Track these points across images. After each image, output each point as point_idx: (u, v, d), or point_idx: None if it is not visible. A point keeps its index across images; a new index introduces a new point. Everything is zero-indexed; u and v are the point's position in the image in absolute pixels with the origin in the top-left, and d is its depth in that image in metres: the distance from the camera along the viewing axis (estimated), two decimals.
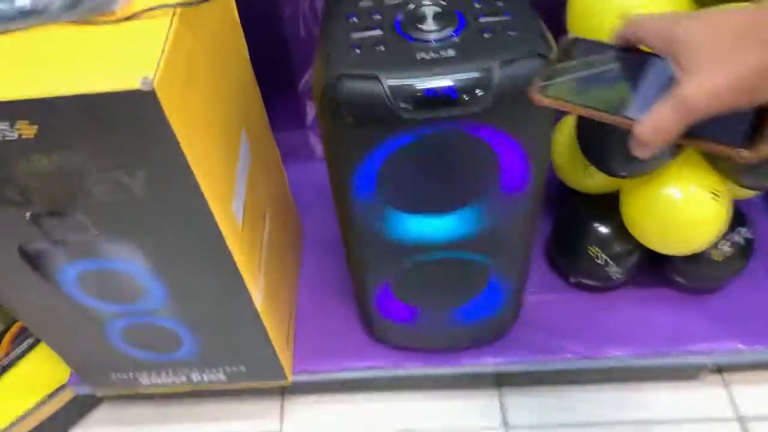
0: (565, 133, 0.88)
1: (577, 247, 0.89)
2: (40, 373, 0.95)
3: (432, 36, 0.58)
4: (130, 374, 0.86)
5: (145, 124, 0.51)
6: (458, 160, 0.62)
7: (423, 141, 0.59)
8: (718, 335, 0.89)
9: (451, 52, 0.56)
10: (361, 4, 0.62)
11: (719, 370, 0.97)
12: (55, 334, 0.78)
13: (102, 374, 0.86)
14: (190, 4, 0.55)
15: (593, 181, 0.87)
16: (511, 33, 0.57)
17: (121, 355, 0.81)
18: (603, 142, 0.74)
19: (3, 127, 0.50)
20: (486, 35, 0.57)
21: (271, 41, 1.03)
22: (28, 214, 0.59)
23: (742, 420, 0.92)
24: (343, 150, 0.62)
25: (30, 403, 0.92)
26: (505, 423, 0.94)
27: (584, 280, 0.92)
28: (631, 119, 0.36)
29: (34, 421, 0.93)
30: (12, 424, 0.91)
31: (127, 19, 0.53)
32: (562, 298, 0.95)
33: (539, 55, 0.55)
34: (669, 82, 0.34)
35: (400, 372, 0.91)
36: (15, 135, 0.51)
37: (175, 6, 0.54)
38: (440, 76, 0.55)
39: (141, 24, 0.53)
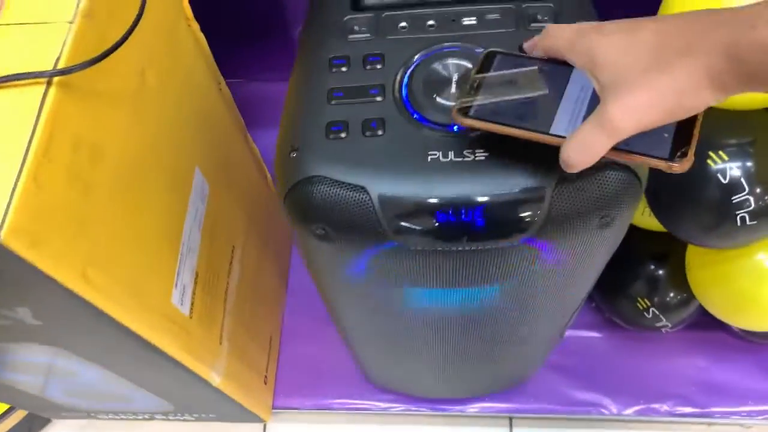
0: None
1: (621, 292, 0.72)
2: None
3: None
4: (84, 413, 0.75)
5: (12, 272, 0.34)
6: (484, 278, 0.44)
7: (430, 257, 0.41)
8: None
9: (481, 155, 0.36)
10: (354, 37, 0.41)
11: None
12: None
13: (52, 412, 0.75)
14: (71, 70, 0.34)
15: (653, 221, 0.68)
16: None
17: (69, 405, 0.69)
18: (685, 208, 0.55)
19: None
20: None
21: None
22: None
23: None
24: (318, 260, 0.44)
25: None
26: None
27: (625, 326, 0.76)
28: (560, 137, 0.33)
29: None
30: None
31: None
32: (596, 337, 0.80)
33: (622, 165, 0.36)
34: (595, 97, 0.33)
35: (398, 413, 0.79)
36: None
37: (50, 75, 0.34)
38: (462, 194, 0.36)
39: None
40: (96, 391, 0.63)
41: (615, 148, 0.32)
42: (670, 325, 0.71)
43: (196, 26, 0.54)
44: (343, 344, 0.68)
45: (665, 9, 0.52)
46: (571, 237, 0.38)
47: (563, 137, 0.33)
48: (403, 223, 0.37)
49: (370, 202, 0.36)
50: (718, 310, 0.64)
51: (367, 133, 0.38)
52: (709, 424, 0.79)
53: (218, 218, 0.59)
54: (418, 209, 0.36)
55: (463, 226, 0.36)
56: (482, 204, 0.36)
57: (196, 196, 0.54)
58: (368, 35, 0.41)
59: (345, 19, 0.42)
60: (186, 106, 0.52)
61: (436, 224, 0.36)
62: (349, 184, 0.36)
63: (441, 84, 0.38)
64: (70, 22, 0.36)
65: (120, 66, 0.41)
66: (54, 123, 0.34)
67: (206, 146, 0.56)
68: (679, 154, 0.32)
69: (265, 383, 0.75)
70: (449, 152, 0.37)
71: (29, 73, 0.33)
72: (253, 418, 0.75)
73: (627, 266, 0.71)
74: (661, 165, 0.32)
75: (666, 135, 0.33)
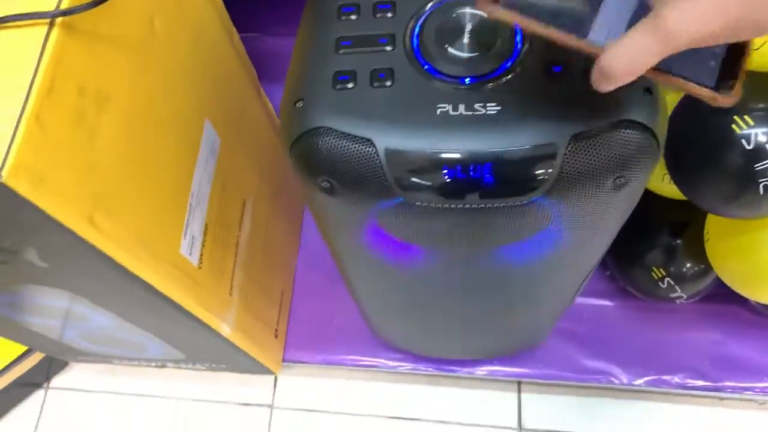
0: None
1: (638, 262, 0.70)
2: None
3: (467, 71, 0.36)
4: (100, 358, 0.76)
5: (14, 213, 0.34)
6: (493, 239, 0.43)
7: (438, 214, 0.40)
8: None
9: (492, 108, 0.35)
10: (352, 19, 0.40)
11: None
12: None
13: (69, 356, 0.77)
14: (74, 10, 0.34)
15: (673, 188, 0.66)
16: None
17: (86, 349, 0.71)
18: (707, 174, 0.53)
19: None
20: (554, 77, 0.35)
21: None
22: None
23: None
24: (325, 215, 0.43)
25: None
26: (520, 425, 0.84)
27: (639, 295, 0.75)
28: (599, 46, 0.30)
29: (18, 371, 0.87)
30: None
31: None
32: (609, 306, 0.79)
33: (636, 123, 0.34)
34: (642, 7, 0.30)
35: (406, 371, 0.79)
36: None
37: (52, 16, 0.33)
38: (470, 152, 0.35)
39: None
40: (109, 336, 0.64)
41: (657, 68, 0.29)
42: (684, 297, 0.70)
43: None
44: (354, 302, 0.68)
45: None
46: (583, 198, 0.37)
47: (600, 47, 0.30)
48: (409, 178, 0.36)
49: (377, 155, 0.36)
50: (737, 282, 0.63)
51: (375, 84, 0.37)
52: (721, 398, 0.78)
53: (229, 172, 0.59)
54: (426, 164, 0.35)
55: (471, 182, 0.35)
56: (492, 160, 0.35)
57: (205, 149, 0.54)
58: (371, 6, 0.40)
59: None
60: (196, 57, 0.51)
61: (444, 180, 0.36)
62: (355, 137, 0.36)
63: (453, 34, 0.37)
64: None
65: (127, 12, 0.40)
66: (57, 64, 0.33)
67: (217, 99, 0.56)
68: (725, 86, 0.30)
69: (276, 337, 0.76)
70: (460, 105, 0.35)
71: (31, 14, 0.33)
72: (263, 370, 0.76)
73: (643, 234, 0.70)
74: (705, 94, 0.30)
75: (713, 63, 0.31)
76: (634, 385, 0.75)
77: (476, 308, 0.57)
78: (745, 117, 0.49)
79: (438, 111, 0.35)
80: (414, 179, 0.36)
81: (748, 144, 0.49)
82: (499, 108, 0.35)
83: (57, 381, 0.94)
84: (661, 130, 0.36)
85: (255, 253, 0.67)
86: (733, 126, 0.50)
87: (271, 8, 0.90)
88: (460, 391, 0.84)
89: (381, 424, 0.84)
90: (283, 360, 0.79)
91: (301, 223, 0.88)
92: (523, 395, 0.85)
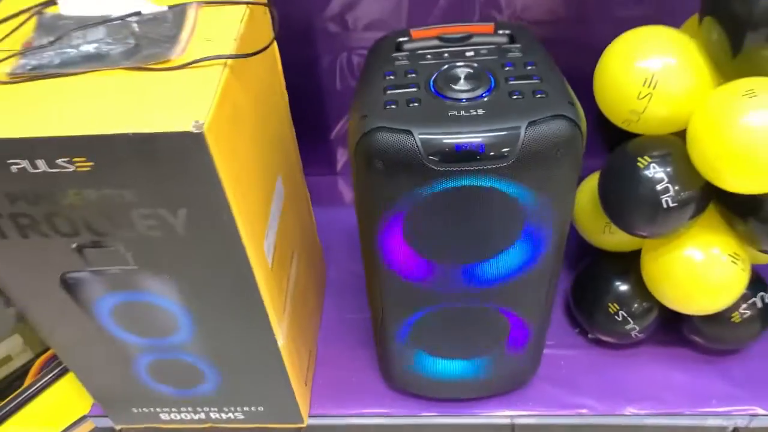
0: (586, 190, 0.91)
1: (596, 303, 0.90)
2: (63, 405, 0.97)
3: (464, 95, 0.61)
4: (151, 409, 0.88)
5: (193, 164, 0.54)
6: (484, 215, 0.64)
7: (450, 194, 0.62)
8: (736, 397, 0.88)
9: (480, 111, 0.59)
10: (398, 63, 0.66)
11: None
12: (84, 363, 0.80)
13: (124, 407, 0.88)
14: (239, 56, 0.59)
15: (613, 238, 0.89)
16: (540, 94, 0.60)
17: (145, 389, 0.83)
18: (628, 207, 0.76)
19: (61, 162, 0.54)
20: (515, 97, 0.61)
21: (309, 91, 1.08)
22: (73, 244, 0.62)
23: None
24: (372, 198, 0.64)
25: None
26: None
27: (603, 337, 0.93)
28: None
29: None
30: None
31: (181, 67, 0.58)
32: (582, 354, 0.95)
33: (564, 117, 0.59)
34: None
35: (417, 420, 0.91)
36: (72, 168, 0.55)
37: (226, 58, 0.58)
38: (469, 133, 0.58)
39: (194, 72, 0.58)
40: (170, 365, 0.78)
41: None
42: (638, 329, 0.88)
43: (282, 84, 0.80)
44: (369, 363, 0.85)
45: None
46: (537, 166, 0.59)
47: None
48: (435, 152, 0.58)
49: (413, 140, 0.58)
50: (667, 298, 0.82)
51: (409, 105, 0.61)
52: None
53: (285, 224, 0.79)
54: (443, 143, 0.58)
55: (470, 151, 0.58)
56: (481, 139, 0.58)
57: (277, 194, 0.76)
58: (407, 62, 0.66)
59: (392, 55, 0.68)
60: (275, 124, 0.76)
61: (455, 151, 0.58)
62: (400, 129, 0.59)
63: (455, 79, 0.63)
64: (235, 39, 0.61)
65: (254, 72, 0.65)
66: (227, 83, 0.57)
67: (284, 162, 0.79)
68: None
69: (306, 384, 0.90)
70: (461, 111, 0.60)
71: (218, 56, 0.57)
72: (294, 416, 0.88)
73: (598, 279, 0.90)
74: None
75: None
76: (609, 414, 0.88)
77: (475, 311, 0.75)
78: (645, 158, 0.74)
79: (449, 114, 0.59)
80: (437, 152, 0.58)
81: (650, 173, 0.73)
82: (483, 111, 0.59)
83: None
84: (581, 123, 0.60)
85: (296, 302, 0.85)
86: (638, 164, 0.74)
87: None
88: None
89: None
90: (309, 414, 0.91)
91: (322, 308, 1.06)
92: None
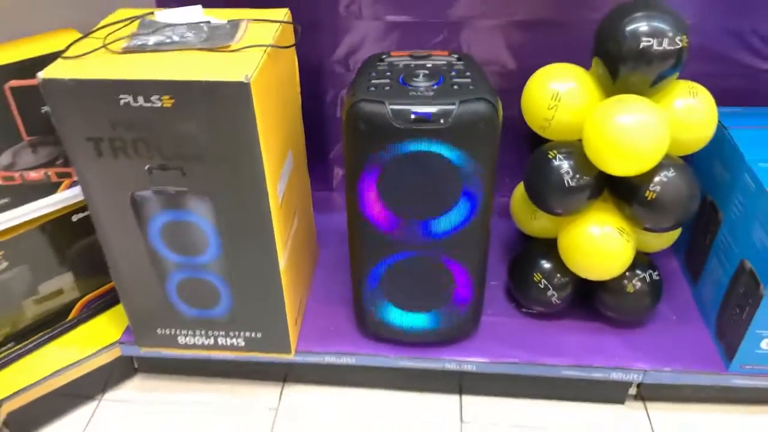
0: (519, 192, 1.19)
1: (526, 276, 1.16)
2: (97, 336, 1.20)
3: (421, 85, 0.91)
4: (172, 331, 1.11)
5: (240, 106, 0.84)
6: (434, 178, 0.93)
7: (408, 160, 0.91)
8: (634, 358, 1.12)
9: (430, 94, 0.90)
10: (380, 67, 0.97)
11: (643, 398, 1.18)
12: (128, 280, 1.05)
13: (150, 328, 1.11)
14: (274, 46, 0.90)
15: (539, 223, 1.16)
16: (471, 87, 0.91)
17: (171, 308, 1.08)
18: (543, 189, 1.05)
19: (153, 98, 0.83)
20: (455, 86, 0.91)
21: (315, 117, 1.39)
22: (146, 166, 0.90)
23: None
24: (356, 152, 0.93)
25: (82, 354, 1.17)
26: (461, 419, 1.15)
27: (531, 306, 1.18)
28: None
29: (80, 371, 1.17)
30: (64, 368, 1.15)
31: (237, 50, 0.89)
32: (515, 321, 1.20)
33: (484, 99, 0.88)
34: None
35: (382, 362, 1.14)
36: (159, 104, 0.84)
37: (265, 47, 0.89)
38: (422, 105, 0.88)
39: (244, 54, 0.88)
40: (197, 285, 1.03)
41: None
42: (556, 295, 1.13)
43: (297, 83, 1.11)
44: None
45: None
46: (467, 133, 0.88)
47: None
48: (399, 117, 0.88)
49: (385, 108, 0.88)
50: (575, 265, 1.08)
51: (384, 89, 0.91)
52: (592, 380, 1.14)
53: (291, 186, 1.07)
54: (405, 110, 0.88)
55: (422, 118, 0.87)
56: (431, 110, 0.88)
57: (288, 161, 1.04)
58: (385, 67, 0.97)
59: (376, 63, 0.99)
60: (290, 107, 1.06)
61: (412, 116, 0.88)
62: (376, 101, 0.89)
63: (415, 76, 0.93)
64: (271, 39, 0.92)
65: (281, 62, 0.96)
66: (265, 63, 0.87)
67: (294, 142, 1.08)
68: None
69: (296, 324, 1.14)
70: (419, 91, 0.90)
71: (261, 45, 0.88)
72: (285, 346, 1.11)
73: (529, 260, 1.17)
74: None
75: None
76: (534, 363, 1.11)
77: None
78: (554, 151, 1.03)
79: (410, 94, 0.89)
80: (402, 117, 0.88)
81: (557, 163, 1.02)
82: (432, 94, 0.89)
83: (110, 395, 1.23)
84: (497, 106, 0.89)
85: (295, 248, 1.11)
86: (549, 156, 1.03)
87: None
88: (414, 396, 1.18)
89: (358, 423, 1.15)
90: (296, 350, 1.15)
91: (315, 267, 1.31)
92: (464, 400, 1.19)
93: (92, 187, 0.94)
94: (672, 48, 0.94)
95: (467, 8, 1.27)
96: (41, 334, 1.19)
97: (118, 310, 1.24)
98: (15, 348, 1.16)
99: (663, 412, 1.17)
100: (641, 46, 0.94)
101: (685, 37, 0.95)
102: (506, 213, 1.31)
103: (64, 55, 0.88)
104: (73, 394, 1.20)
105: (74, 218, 1.13)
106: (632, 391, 1.17)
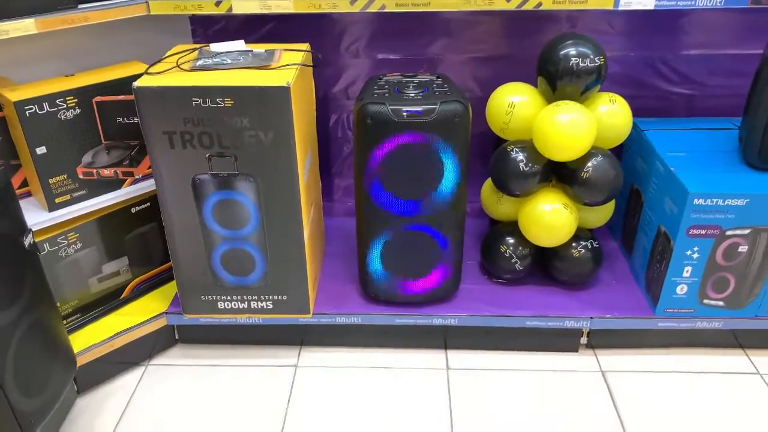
0: (487, 184, 1.51)
1: (494, 249, 1.46)
2: (145, 309, 1.46)
3: (411, 93, 1.24)
4: (214, 297, 1.38)
5: (281, 106, 1.15)
6: (421, 165, 1.24)
7: (403, 149, 1.22)
8: (581, 309, 1.42)
9: (419, 98, 1.22)
10: (380, 83, 1.30)
11: (592, 346, 1.47)
12: (182, 252, 1.32)
13: (196, 294, 1.38)
14: (303, 65, 1.22)
15: (503, 208, 1.48)
16: (448, 94, 1.24)
17: (215, 276, 1.35)
18: (504, 175, 1.37)
19: (218, 100, 1.14)
20: (436, 93, 1.24)
21: (320, 136, 1.69)
22: (207, 154, 1.20)
23: (603, 373, 1.40)
24: (364, 143, 1.24)
25: (133, 324, 1.42)
26: (447, 366, 1.42)
27: (500, 274, 1.48)
28: None
29: (131, 337, 1.42)
30: (118, 333, 1.40)
31: (276, 68, 1.21)
32: (488, 288, 1.49)
33: (458, 101, 1.21)
34: None
35: (382, 320, 1.42)
36: (222, 104, 1.14)
37: (298, 65, 1.21)
38: (413, 106, 1.20)
39: (282, 70, 1.20)
40: (238, 255, 1.31)
41: None
42: (519, 262, 1.44)
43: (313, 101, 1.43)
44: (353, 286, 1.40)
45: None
46: (446, 125, 1.21)
47: None
48: (398, 114, 1.20)
49: (386, 108, 1.20)
50: (530, 234, 1.39)
51: (384, 96, 1.24)
52: (546, 330, 1.43)
53: (309, 181, 1.37)
54: (401, 109, 1.20)
55: (413, 114, 1.20)
56: (419, 108, 1.20)
57: (308, 158, 1.35)
58: (384, 82, 1.30)
59: (377, 80, 1.32)
60: (309, 119, 1.37)
61: (405, 114, 1.20)
62: (378, 102, 1.21)
63: (407, 87, 1.26)
64: (300, 61, 1.25)
65: (305, 79, 1.29)
66: (297, 76, 1.20)
67: (312, 145, 1.39)
68: None
69: (313, 288, 1.41)
70: (410, 96, 1.22)
71: (295, 63, 1.21)
72: (305, 308, 1.39)
73: (496, 236, 1.48)
74: None
75: None
76: (504, 316, 1.40)
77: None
78: (512, 146, 1.36)
79: (404, 98, 1.22)
80: (397, 113, 1.20)
81: (514, 155, 1.35)
82: (421, 97, 1.22)
83: (155, 361, 1.48)
84: (468, 107, 1.22)
85: (312, 228, 1.40)
86: (508, 149, 1.36)
87: None
88: (408, 352, 1.46)
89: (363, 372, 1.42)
90: (314, 311, 1.42)
91: (323, 256, 1.59)
92: (449, 352, 1.46)
93: (163, 172, 1.23)
94: (593, 65, 1.29)
95: (442, 48, 1.62)
96: (101, 308, 1.44)
97: (162, 291, 1.51)
98: (80, 318, 1.41)
99: (609, 356, 1.45)
100: (571, 64, 1.29)
101: (602, 57, 1.30)
102: (478, 214, 1.64)
103: (149, 71, 1.19)
104: (124, 362, 1.44)
105: (133, 210, 1.41)
106: (584, 340, 1.46)
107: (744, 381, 1.39)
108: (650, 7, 1.26)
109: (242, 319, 1.42)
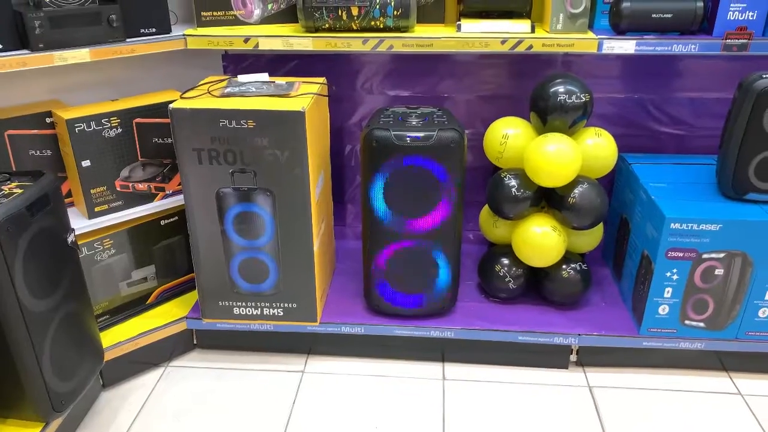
0: (486, 209, 1.64)
1: (490, 268, 1.58)
2: (168, 314, 1.59)
3: (414, 121, 1.39)
4: (230, 303, 1.51)
5: (297, 128, 1.30)
6: (421, 186, 1.38)
7: (404, 172, 1.37)
8: (570, 327, 1.51)
9: (420, 126, 1.37)
10: (386, 113, 1.46)
11: (582, 363, 1.56)
12: (205, 259, 1.46)
13: (215, 300, 1.51)
14: (318, 94, 1.39)
15: (499, 231, 1.60)
16: (445, 122, 1.38)
17: (232, 283, 1.48)
18: (499, 200, 1.50)
19: (242, 122, 1.30)
20: (436, 122, 1.39)
21: (335, 166, 1.85)
22: (230, 170, 1.35)
23: (591, 388, 1.49)
24: (371, 164, 1.39)
25: (155, 325, 1.56)
26: (443, 377, 1.52)
27: (495, 293, 1.59)
28: None
29: (153, 338, 1.55)
30: (142, 333, 1.53)
31: (294, 96, 1.37)
32: (484, 305, 1.60)
33: (455, 129, 1.36)
34: None
35: (384, 331, 1.53)
36: (245, 126, 1.31)
37: (313, 95, 1.38)
38: (414, 132, 1.35)
39: (300, 98, 1.36)
40: (255, 266, 1.45)
41: None
42: (513, 281, 1.55)
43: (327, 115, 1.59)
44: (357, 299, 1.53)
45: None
46: (443, 150, 1.35)
47: None
48: (400, 138, 1.34)
49: (390, 134, 1.35)
50: (522, 254, 1.51)
51: (389, 123, 1.39)
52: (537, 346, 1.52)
53: (320, 198, 1.52)
54: (404, 135, 1.35)
55: (414, 139, 1.34)
56: (420, 134, 1.35)
57: (320, 179, 1.49)
58: (390, 112, 1.46)
59: (384, 111, 1.47)
60: (323, 143, 1.53)
61: (408, 139, 1.34)
62: (383, 128, 1.36)
63: (409, 116, 1.41)
64: (316, 91, 1.41)
65: (320, 106, 1.45)
66: (312, 103, 1.36)
67: (324, 168, 1.55)
68: None
69: (321, 299, 1.54)
70: (413, 123, 1.37)
71: (310, 93, 1.37)
72: (312, 316, 1.51)
73: (492, 258, 1.59)
74: None
75: None
76: (497, 330, 1.51)
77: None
78: (507, 174, 1.50)
79: (406, 126, 1.37)
80: (401, 139, 1.34)
81: (507, 180, 1.48)
82: (422, 125, 1.37)
83: (174, 363, 1.60)
84: (463, 134, 1.36)
85: (322, 244, 1.54)
86: (502, 177, 1.49)
87: None
88: (408, 364, 1.56)
89: (363, 380, 1.53)
90: (321, 320, 1.54)
91: (333, 273, 1.72)
92: (445, 365, 1.56)
93: (191, 185, 1.38)
94: (579, 102, 1.43)
95: (448, 87, 1.78)
96: (128, 311, 1.58)
97: (184, 299, 1.65)
98: (109, 319, 1.55)
99: (597, 373, 1.54)
100: (559, 100, 1.43)
101: (588, 95, 1.44)
102: (477, 240, 1.76)
103: (183, 96, 1.36)
104: (145, 362, 1.57)
105: (162, 222, 1.57)
106: (573, 358, 1.55)
107: (725, 401, 1.46)
108: (631, 51, 1.40)
109: (255, 325, 1.54)
